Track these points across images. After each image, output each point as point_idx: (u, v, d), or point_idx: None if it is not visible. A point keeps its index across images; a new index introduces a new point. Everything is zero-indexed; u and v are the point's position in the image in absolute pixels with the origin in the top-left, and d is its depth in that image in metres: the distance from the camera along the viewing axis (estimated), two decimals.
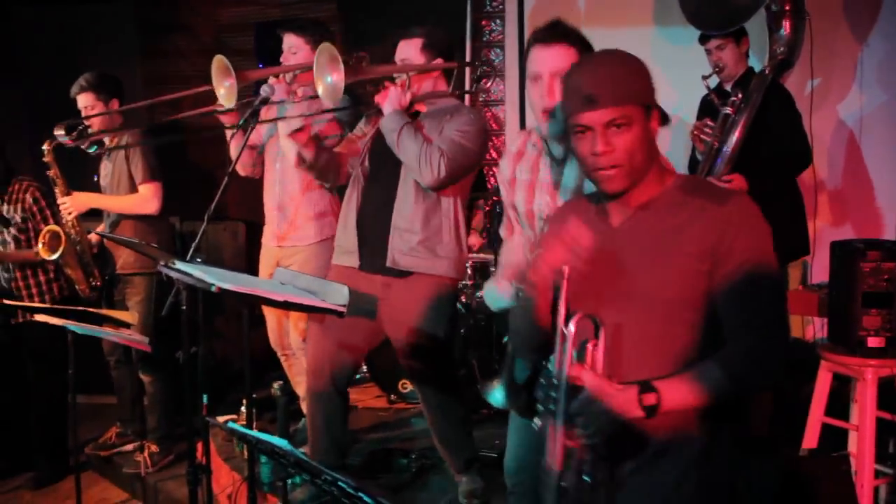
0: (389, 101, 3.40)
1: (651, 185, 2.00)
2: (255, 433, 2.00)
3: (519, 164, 2.78)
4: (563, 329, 1.92)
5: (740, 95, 3.99)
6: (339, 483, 1.74)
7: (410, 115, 3.46)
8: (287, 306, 2.63)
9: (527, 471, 2.77)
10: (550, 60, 2.50)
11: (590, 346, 1.92)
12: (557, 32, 2.53)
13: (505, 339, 2.61)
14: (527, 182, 2.73)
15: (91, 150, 4.45)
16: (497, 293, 2.69)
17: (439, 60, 3.55)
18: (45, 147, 4.44)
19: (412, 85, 3.47)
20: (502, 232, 2.98)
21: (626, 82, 1.93)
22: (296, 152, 3.95)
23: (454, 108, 3.54)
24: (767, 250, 1.91)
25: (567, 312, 1.93)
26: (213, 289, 2.32)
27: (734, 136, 4.00)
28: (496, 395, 2.52)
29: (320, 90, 3.31)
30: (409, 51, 3.52)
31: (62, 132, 4.23)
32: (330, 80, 3.28)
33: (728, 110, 4.01)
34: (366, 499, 1.70)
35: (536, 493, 2.82)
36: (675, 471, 1.96)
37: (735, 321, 1.89)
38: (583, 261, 1.91)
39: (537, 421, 1.98)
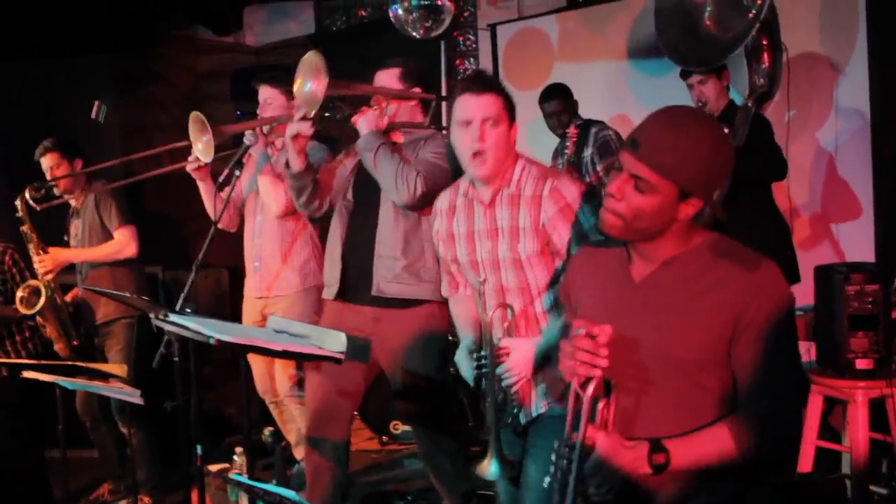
0: (367, 121, 3.41)
1: (676, 242, 1.95)
2: (262, 485, 1.98)
3: (454, 219, 2.84)
4: (579, 391, 1.89)
5: (727, 130, 4.02)
6: None
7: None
8: (286, 356, 2.60)
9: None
10: (482, 108, 2.61)
11: (601, 406, 1.91)
12: (487, 83, 2.67)
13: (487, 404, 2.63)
14: (465, 234, 2.79)
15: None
16: (464, 368, 2.78)
17: (417, 90, 3.57)
18: (17, 203, 4.40)
19: (389, 111, 3.49)
20: (444, 291, 3.05)
21: (673, 155, 1.85)
22: (278, 205, 3.96)
23: (429, 135, 3.56)
24: (789, 320, 1.89)
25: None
26: (212, 341, 2.29)
27: None
28: (492, 469, 2.54)
29: (298, 96, 3.34)
30: (387, 80, 3.54)
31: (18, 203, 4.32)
32: (309, 86, 3.30)
33: None
34: None
35: None
36: None
37: (750, 388, 1.87)
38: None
39: (548, 479, 1.96)
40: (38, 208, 4.39)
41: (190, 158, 4.07)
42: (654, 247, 1.96)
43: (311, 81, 3.30)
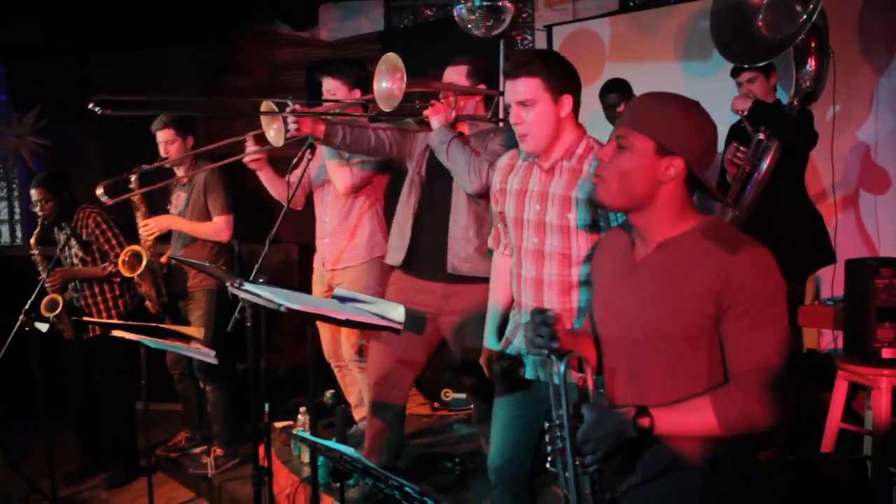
0: (437, 115, 3.43)
1: (671, 225, 1.93)
2: (325, 442, 2.01)
3: (510, 176, 2.82)
4: (556, 372, 1.93)
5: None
6: (405, 488, 1.74)
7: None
8: (349, 324, 2.63)
9: (509, 468, 2.85)
10: (515, 92, 2.58)
11: (580, 381, 1.97)
12: (519, 66, 2.57)
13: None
14: (517, 192, 2.76)
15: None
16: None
17: (482, 86, 3.57)
18: (132, 176, 4.46)
19: (457, 104, 3.51)
20: (491, 242, 3.04)
21: (649, 114, 1.89)
22: (343, 183, 3.99)
23: (496, 129, 3.55)
24: (773, 301, 1.82)
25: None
26: (282, 309, 2.32)
27: (766, 162, 3.97)
28: None
29: (378, 94, 3.34)
30: (456, 76, 3.55)
31: (101, 191, 4.29)
32: (385, 85, 3.32)
33: (761, 136, 3.99)
34: (428, 502, 1.70)
35: (518, 487, 2.83)
36: (674, 490, 1.92)
37: (734, 363, 1.83)
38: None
39: (549, 461, 1.97)
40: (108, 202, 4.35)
41: (246, 151, 4.14)
42: (651, 228, 1.94)
43: (388, 81, 3.32)
